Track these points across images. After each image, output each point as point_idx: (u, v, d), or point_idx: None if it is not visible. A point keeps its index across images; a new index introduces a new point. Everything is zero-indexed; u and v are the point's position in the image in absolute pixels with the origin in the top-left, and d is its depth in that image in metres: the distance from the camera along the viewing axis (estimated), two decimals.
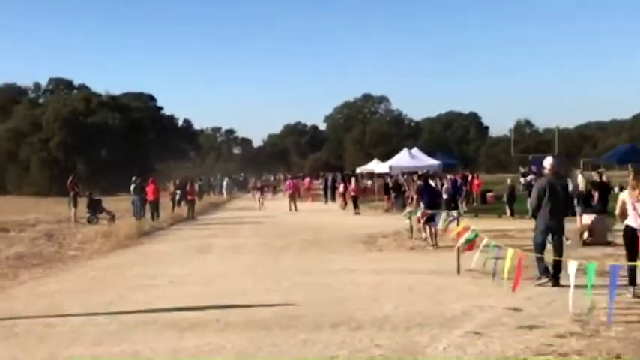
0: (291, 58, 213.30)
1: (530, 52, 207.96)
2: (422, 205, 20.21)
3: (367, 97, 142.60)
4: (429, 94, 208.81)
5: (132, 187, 32.36)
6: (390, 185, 39.63)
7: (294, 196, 41.23)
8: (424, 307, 10.45)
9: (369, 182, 56.17)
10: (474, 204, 38.17)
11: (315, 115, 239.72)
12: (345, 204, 40.83)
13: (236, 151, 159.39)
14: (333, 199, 47.93)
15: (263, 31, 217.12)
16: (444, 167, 53.00)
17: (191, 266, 16.67)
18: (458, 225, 15.12)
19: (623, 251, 11.92)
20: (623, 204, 11.23)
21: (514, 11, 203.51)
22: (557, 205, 12.36)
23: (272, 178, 70.71)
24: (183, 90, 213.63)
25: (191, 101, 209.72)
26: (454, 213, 19.10)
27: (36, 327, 9.77)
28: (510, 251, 9.47)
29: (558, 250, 12.27)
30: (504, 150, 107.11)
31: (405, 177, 41.09)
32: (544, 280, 11.78)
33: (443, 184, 33.68)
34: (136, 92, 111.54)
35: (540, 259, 11.91)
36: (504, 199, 31.59)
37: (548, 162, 13.00)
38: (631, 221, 11.04)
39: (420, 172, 42.71)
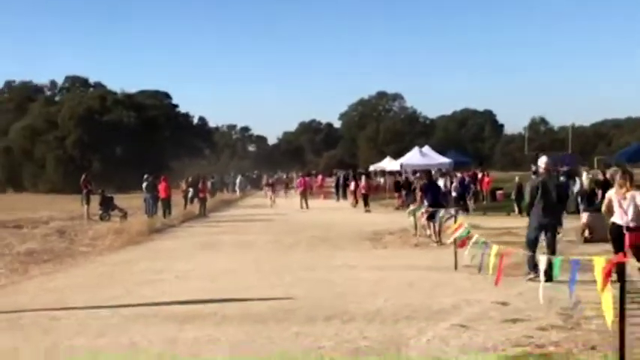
0: (307, 56, 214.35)
1: (546, 50, 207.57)
2: (425, 203, 20.51)
3: (382, 95, 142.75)
4: (444, 92, 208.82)
5: (144, 184, 32.79)
6: (401, 183, 39.88)
7: (305, 194, 41.59)
8: (416, 302, 10.78)
9: (382, 180, 56.35)
10: (484, 202, 38.29)
11: (331, 113, 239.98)
12: (356, 201, 41.08)
13: (251, 148, 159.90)
14: (345, 196, 48.15)
15: (279, 29, 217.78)
16: (456, 165, 53.19)
17: (198, 262, 17.02)
18: (455, 222, 15.35)
19: None
20: (610, 201, 11.57)
21: (528, 10, 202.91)
22: (550, 203, 12.68)
23: (285, 176, 70.89)
24: (200, 88, 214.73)
25: (207, 99, 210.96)
26: (452, 210, 19.32)
27: (41, 319, 10.15)
28: (495, 248, 9.75)
29: (551, 246, 12.59)
30: (519, 148, 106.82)
31: (418, 174, 41.28)
32: (533, 275, 12.04)
33: (452, 182, 34.00)
34: (152, 90, 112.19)
35: (531, 256, 12.18)
36: (512, 196, 31.72)
37: (542, 161, 13.30)
38: (617, 218, 11.36)
39: (433, 170, 43.20)
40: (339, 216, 33.40)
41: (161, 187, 32.55)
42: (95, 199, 33.11)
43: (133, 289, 12.86)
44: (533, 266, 12.17)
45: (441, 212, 18.72)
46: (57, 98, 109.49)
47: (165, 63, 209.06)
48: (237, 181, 60.11)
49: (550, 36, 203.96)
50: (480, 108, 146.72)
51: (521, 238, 17.37)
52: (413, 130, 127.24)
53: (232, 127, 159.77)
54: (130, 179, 64.30)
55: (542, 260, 7.61)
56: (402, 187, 38.60)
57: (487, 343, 8.06)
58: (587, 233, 18.54)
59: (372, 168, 63.27)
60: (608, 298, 6.23)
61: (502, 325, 8.96)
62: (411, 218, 21.16)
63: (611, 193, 11.63)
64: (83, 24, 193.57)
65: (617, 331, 6.40)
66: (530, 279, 12.08)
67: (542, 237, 12.99)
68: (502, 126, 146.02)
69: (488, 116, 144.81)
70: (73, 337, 8.98)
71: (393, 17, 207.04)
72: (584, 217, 19.24)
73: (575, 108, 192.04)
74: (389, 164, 55.26)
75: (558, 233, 14.78)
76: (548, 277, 11.94)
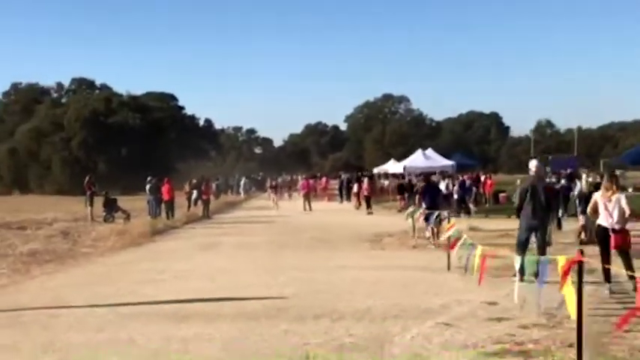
0: (312, 58, 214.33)
1: (553, 52, 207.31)
2: (423, 205, 20.74)
3: (387, 97, 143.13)
4: (449, 95, 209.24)
5: (147, 186, 33.11)
6: (404, 185, 40.03)
7: (308, 196, 41.78)
8: (406, 301, 11.02)
9: (386, 182, 56.46)
10: (487, 204, 38.45)
11: (337, 115, 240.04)
12: (359, 204, 41.26)
13: (257, 150, 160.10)
14: (349, 198, 48.27)
15: (285, 32, 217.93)
16: (461, 167, 53.39)
17: (197, 263, 17.29)
18: (448, 223, 15.60)
19: None
20: (595, 204, 11.86)
21: (534, 12, 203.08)
22: (538, 206, 12.92)
23: (289, 178, 71.07)
24: (207, 90, 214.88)
25: (213, 101, 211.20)
26: (445, 212, 19.52)
27: (41, 317, 10.44)
28: (479, 249, 10.01)
29: (541, 248, 12.82)
30: (525, 150, 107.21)
31: (423, 177, 41.39)
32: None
33: (454, 185, 34.19)
34: (158, 92, 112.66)
35: (520, 257, 12.39)
36: (514, 199, 31.79)
37: (533, 164, 13.57)
38: (602, 220, 11.64)
39: (436, 172, 43.37)
40: (341, 218, 33.62)
41: (164, 189, 32.81)
42: (99, 201, 33.39)
43: (131, 288, 13.12)
44: (520, 268, 12.38)
45: (435, 214, 18.93)
46: (63, 100, 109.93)
47: (172, 65, 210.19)
48: (242, 183, 60.39)
49: (557, 38, 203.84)
50: (486, 110, 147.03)
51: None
52: (419, 132, 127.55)
53: (238, 129, 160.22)
54: (135, 181, 64.58)
55: (516, 260, 7.82)
56: (405, 190, 38.76)
57: (469, 341, 8.32)
58: (583, 235, 18.74)
59: (376, 170, 63.41)
60: (570, 294, 6.46)
61: (487, 324, 9.21)
62: (410, 220, 21.35)
63: (597, 196, 11.90)
64: (90, 26, 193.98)
65: (576, 327, 6.62)
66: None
67: (534, 239, 13.21)
68: (508, 128, 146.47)
69: (495, 119, 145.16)
70: (70, 334, 9.27)
71: (399, 19, 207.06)
72: (582, 219, 19.45)
73: (581, 110, 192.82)
74: (393, 167, 55.42)
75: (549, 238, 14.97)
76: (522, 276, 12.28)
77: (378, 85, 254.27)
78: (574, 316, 6.61)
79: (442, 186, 34.33)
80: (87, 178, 34.78)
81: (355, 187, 43.66)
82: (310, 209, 40.11)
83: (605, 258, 11.61)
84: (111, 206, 32.87)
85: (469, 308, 10.24)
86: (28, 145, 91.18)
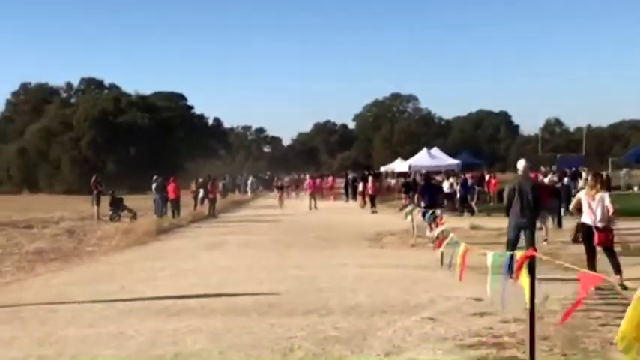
0: (321, 57, 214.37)
1: (563, 50, 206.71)
2: (422, 204, 21.04)
3: (396, 96, 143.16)
4: (458, 94, 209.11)
5: (153, 185, 33.47)
6: (410, 184, 40.26)
7: (314, 195, 42.15)
8: (395, 297, 11.32)
9: (393, 181, 56.68)
10: (491, 203, 38.64)
11: (345, 114, 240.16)
12: (365, 203, 41.55)
13: (266, 149, 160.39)
14: (355, 197, 48.53)
15: (293, 31, 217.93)
16: (467, 167, 53.62)
17: (198, 260, 17.61)
18: (441, 221, 15.92)
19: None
20: (579, 202, 12.23)
21: (543, 10, 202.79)
22: (526, 205, 13.23)
23: (296, 177, 71.29)
24: (216, 90, 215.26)
25: (223, 101, 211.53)
26: (438, 211, 19.81)
27: (40, 312, 10.78)
28: (462, 246, 10.33)
29: (531, 245, 13.10)
30: (534, 149, 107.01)
31: (423, 176, 41.65)
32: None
33: (459, 184, 34.45)
34: (167, 92, 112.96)
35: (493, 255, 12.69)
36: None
37: (521, 164, 13.88)
38: (586, 218, 11.96)
39: (442, 172, 43.60)
40: (345, 217, 33.92)
41: (170, 188, 33.18)
42: (105, 200, 33.80)
43: (129, 285, 13.46)
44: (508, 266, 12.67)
45: (430, 212, 19.22)
46: (72, 100, 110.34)
47: (181, 65, 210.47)
48: (249, 182, 60.69)
49: (566, 36, 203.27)
50: (496, 109, 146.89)
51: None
52: (429, 131, 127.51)
53: (247, 128, 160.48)
54: (143, 180, 64.91)
55: (489, 256, 8.13)
56: (411, 189, 38.96)
57: (448, 334, 8.61)
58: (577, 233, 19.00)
59: (383, 169, 63.69)
60: (525, 285, 6.78)
61: (469, 318, 9.51)
62: (409, 218, 21.62)
63: (582, 194, 12.22)
64: (99, 26, 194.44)
65: (528, 323, 6.94)
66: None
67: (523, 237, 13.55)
68: (517, 127, 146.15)
69: (504, 117, 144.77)
70: (65, 328, 9.60)
71: (407, 18, 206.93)
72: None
73: (592, 109, 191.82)
74: (399, 166, 55.68)
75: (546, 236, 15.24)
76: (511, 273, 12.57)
77: (387, 84, 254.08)
78: (529, 305, 6.87)
79: (446, 185, 34.68)
80: (93, 178, 35.29)
81: (360, 186, 43.94)
82: (316, 208, 40.46)
83: (591, 255, 11.94)
84: (117, 205, 33.29)
85: (455, 303, 10.53)
86: (38, 144, 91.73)
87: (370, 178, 41.35)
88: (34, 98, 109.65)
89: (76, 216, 34.08)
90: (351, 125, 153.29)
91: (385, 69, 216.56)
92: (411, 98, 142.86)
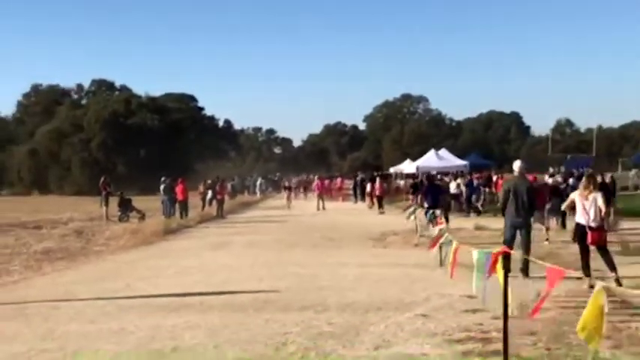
0: (331, 58, 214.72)
1: (574, 51, 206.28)
2: (425, 204, 21.24)
3: (406, 97, 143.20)
4: (469, 95, 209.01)
5: (161, 186, 33.74)
6: (418, 185, 40.36)
7: (321, 196, 42.34)
8: (392, 295, 11.54)
9: (402, 182, 56.75)
10: (498, 204, 38.63)
11: (356, 115, 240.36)
12: (372, 203, 41.69)
13: (277, 150, 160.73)
14: (363, 198, 48.63)
15: (304, 32, 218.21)
16: (476, 167, 53.62)
17: (202, 260, 17.88)
18: (440, 221, 16.12)
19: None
20: (572, 202, 12.45)
21: (554, 12, 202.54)
22: (521, 205, 13.47)
23: (305, 178, 71.44)
24: (226, 91, 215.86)
25: (233, 102, 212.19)
26: (437, 211, 20.00)
27: (44, 309, 11.07)
28: (454, 245, 10.57)
29: (526, 245, 13.39)
30: (544, 150, 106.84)
31: (440, 177, 41.74)
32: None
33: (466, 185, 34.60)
34: (178, 93, 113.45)
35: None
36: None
37: (516, 165, 14.12)
38: (580, 218, 12.17)
39: (450, 173, 43.68)
40: (352, 218, 34.07)
41: (178, 189, 33.44)
42: (114, 201, 34.12)
43: (133, 283, 13.75)
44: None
45: (429, 212, 19.42)
46: (83, 101, 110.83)
47: (192, 67, 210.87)
48: (258, 183, 60.93)
49: (578, 36, 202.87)
50: (507, 110, 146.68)
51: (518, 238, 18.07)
52: (439, 132, 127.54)
53: (258, 129, 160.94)
54: (153, 182, 65.18)
55: (474, 254, 8.36)
56: (419, 190, 39.06)
57: (437, 329, 8.84)
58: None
59: (392, 170, 63.82)
60: (500, 279, 7.01)
61: (461, 315, 9.73)
62: (412, 219, 21.77)
63: (576, 194, 12.45)
64: (109, 28, 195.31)
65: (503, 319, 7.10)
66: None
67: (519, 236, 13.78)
68: (528, 128, 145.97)
69: (515, 118, 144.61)
70: (68, 324, 9.89)
71: (418, 19, 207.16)
72: None
73: (603, 110, 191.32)
74: (408, 167, 55.79)
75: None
76: (525, 273, 12.78)
77: (397, 85, 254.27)
78: (502, 300, 7.09)
79: (453, 185, 34.80)
80: (102, 179, 35.69)
81: (368, 187, 44.08)
82: (324, 209, 40.64)
83: (584, 254, 12.14)
84: (126, 206, 33.59)
85: (448, 301, 10.74)
86: (49, 146, 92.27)
87: (378, 179, 41.46)
88: (45, 100, 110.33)
89: (85, 217, 34.41)
90: (362, 126, 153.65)
91: (396, 70, 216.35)
92: (422, 99, 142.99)
